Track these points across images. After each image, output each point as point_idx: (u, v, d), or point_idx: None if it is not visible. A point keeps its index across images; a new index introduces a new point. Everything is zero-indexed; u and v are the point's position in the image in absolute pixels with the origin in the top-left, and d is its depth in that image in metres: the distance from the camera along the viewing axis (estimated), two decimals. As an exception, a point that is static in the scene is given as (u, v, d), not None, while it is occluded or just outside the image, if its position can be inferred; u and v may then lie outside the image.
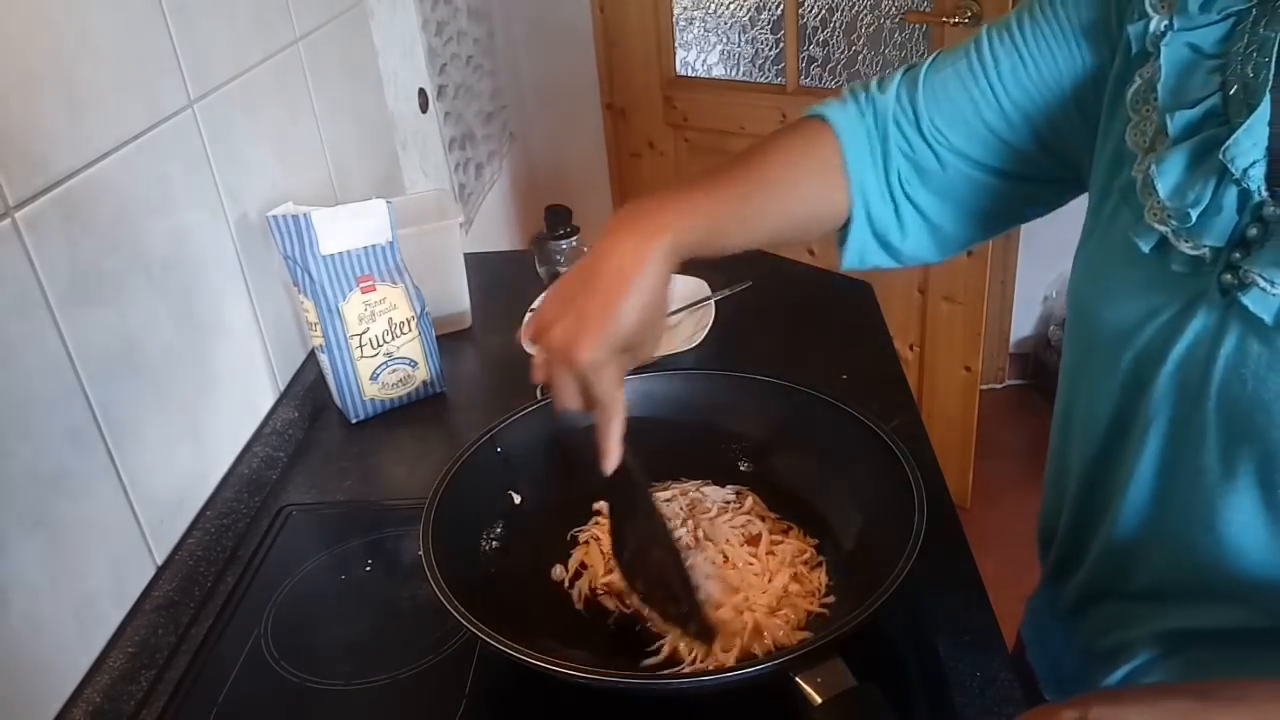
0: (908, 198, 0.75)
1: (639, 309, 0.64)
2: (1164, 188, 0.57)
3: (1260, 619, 0.59)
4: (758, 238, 0.75)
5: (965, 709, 0.66)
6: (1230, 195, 0.54)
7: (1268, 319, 0.53)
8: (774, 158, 0.76)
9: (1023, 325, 2.70)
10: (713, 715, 0.68)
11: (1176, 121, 0.57)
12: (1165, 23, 0.58)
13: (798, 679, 0.59)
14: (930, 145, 0.73)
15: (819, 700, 0.58)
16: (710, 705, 0.67)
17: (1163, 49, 0.58)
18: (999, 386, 2.76)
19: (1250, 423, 0.55)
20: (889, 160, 0.75)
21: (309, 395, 1.08)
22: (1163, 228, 0.58)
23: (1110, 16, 0.64)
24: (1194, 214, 0.55)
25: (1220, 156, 0.54)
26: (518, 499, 0.83)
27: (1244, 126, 0.53)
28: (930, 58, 0.74)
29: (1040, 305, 2.68)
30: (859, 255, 0.79)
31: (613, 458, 0.69)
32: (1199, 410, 0.58)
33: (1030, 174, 0.72)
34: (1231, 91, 0.55)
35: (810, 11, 2.15)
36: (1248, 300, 0.53)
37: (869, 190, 0.75)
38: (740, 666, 0.66)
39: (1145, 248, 0.59)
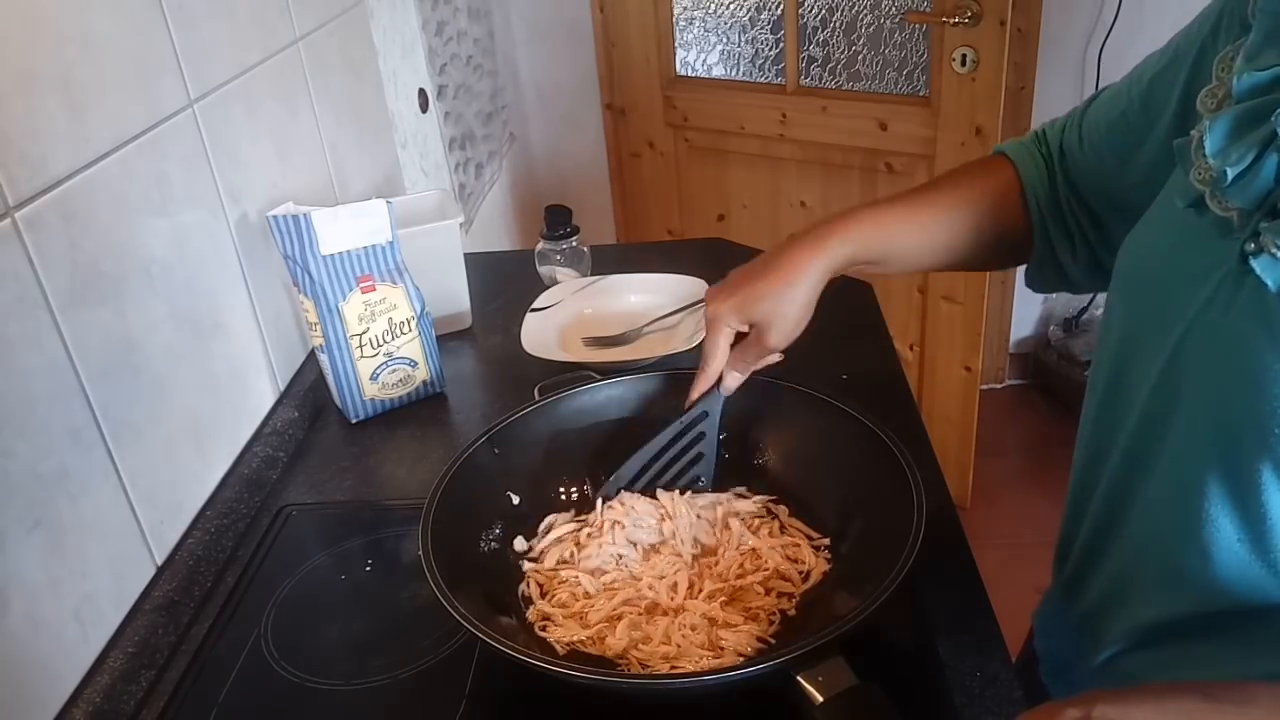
0: (1075, 217, 0.79)
1: (780, 298, 0.77)
2: (1210, 146, 0.57)
3: (1219, 602, 0.59)
4: (931, 255, 0.82)
5: (965, 709, 0.66)
6: (1271, 162, 0.54)
7: (1271, 285, 0.53)
8: (949, 182, 0.83)
9: (1023, 325, 2.70)
10: (713, 715, 0.68)
11: (1242, 82, 0.57)
12: None
13: (799, 678, 0.59)
14: (1087, 163, 0.77)
15: (820, 699, 0.58)
16: (711, 705, 0.67)
17: (1256, 16, 0.59)
18: (999, 386, 2.76)
19: (1238, 396, 0.55)
20: (1056, 179, 0.80)
21: (309, 395, 1.08)
22: (1202, 187, 0.58)
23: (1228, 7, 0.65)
24: (1230, 174, 0.55)
25: (1271, 119, 0.53)
26: (516, 499, 0.83)
27: None
28: (1096, 92, 0.80)
29: (1040, 305, 2.68)
30: (1040, 278, 0.84)
31: (690, 400, 0.83)
32: (1194, 380, 0.58)
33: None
34: None
35: (810, 11, 2.15)
36: (1256, 264, 0.53)
37: (1045, 209, 0.80)
38: (741, 666, 0.66)
39: (1181, 204, 0.59)
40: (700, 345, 0.82)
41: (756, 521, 0.81)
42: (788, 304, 0.77)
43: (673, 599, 0.74)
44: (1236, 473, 0.56)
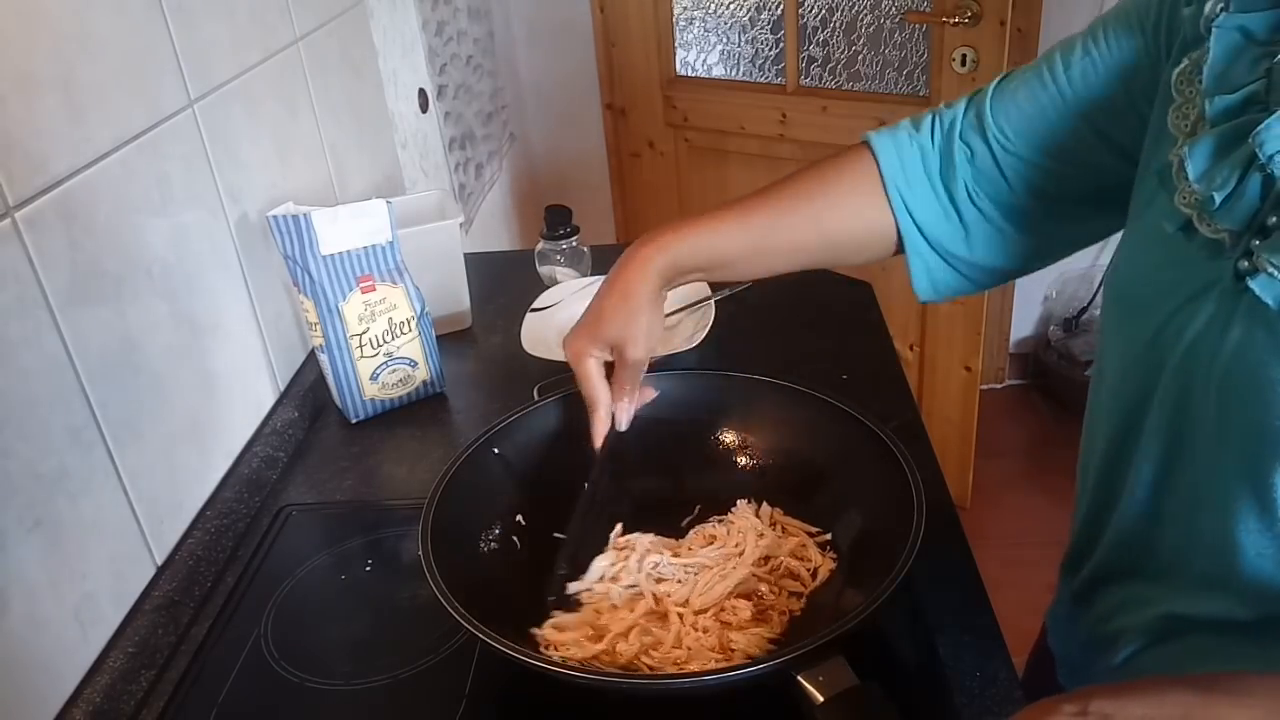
0: (974, 205, 0.77)
1: (622, 314, 0.78)
2: (1193, 170, 0.57)
3: (1249, 609, 0.59)
4: (774, 258, 0.81)
5: (965, 709, 0.66)
6: (1255, 182, 0.54)
7: (1272, 304, 0.53)
8: (802, 180, 0.81)
9: (1023, 325, 2.70)
10: (714, 714, 0.68)
11: (1215, 105, 0.57)
12: (1221, 5, 0.59)
13: (800, 678, 0.59)
14: (994, 152, 0.75)
15: (821, 699, 0.58)
16: (711, 705, 0.67)
17: (1214, 31, 0.59)
18: (999, 386, 2.76)
19: (1248, 410, 0.55)
20: (953, 170, 0.77)
21: (309, 395, 1.08)
22: (1189, 211, 0.58)
23: (1168, 4, 0.64)
24: (1218, 197, 0.55)
25: (1250, 140, 0.54)
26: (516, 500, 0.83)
27: (1279, 114, 0.53)
28: (1000, 75, 0.77)
29: (1040, 305, 2.68)
30: (928, 278, 0.81)
31: (598, 447, 0.80)
32: (1204, 396, 0.58)
33: (1087, 182, 0.73)
34: (1276, 79, 0.55)
35: (810, 11, 2.15)
36: (1254, 284, 0.54)
37: (915, 204, 0.77)
38: (741, 666, 0.66)
39: (1170, 229, 0.60)
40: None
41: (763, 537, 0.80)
42: (633, 321, 0.78)
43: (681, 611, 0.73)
44: (1259, 487, 0.56)
